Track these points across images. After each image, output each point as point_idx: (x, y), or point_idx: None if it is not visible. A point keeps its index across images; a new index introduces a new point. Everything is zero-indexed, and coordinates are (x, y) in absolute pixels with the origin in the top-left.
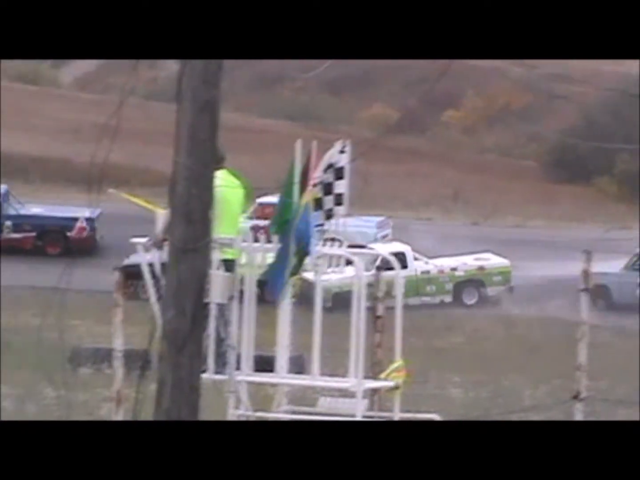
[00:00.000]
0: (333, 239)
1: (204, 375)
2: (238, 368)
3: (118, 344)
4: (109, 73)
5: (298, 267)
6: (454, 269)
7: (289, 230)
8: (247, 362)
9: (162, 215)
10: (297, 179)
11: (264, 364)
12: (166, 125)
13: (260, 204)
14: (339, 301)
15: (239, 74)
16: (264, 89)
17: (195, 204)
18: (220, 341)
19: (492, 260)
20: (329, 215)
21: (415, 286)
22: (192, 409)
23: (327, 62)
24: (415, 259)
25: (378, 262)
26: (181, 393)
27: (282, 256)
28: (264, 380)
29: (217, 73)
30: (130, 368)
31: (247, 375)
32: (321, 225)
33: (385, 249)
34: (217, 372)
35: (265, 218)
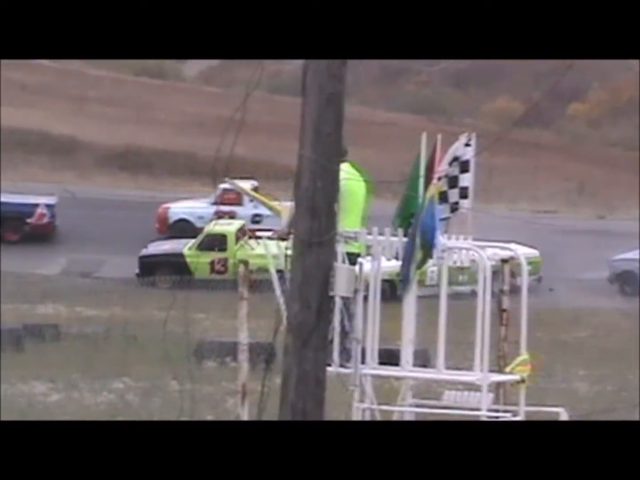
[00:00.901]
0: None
1: (329, 369)
2: (363, 361)
3: (243, 337)
4: (233, 67)
5: (424, 261)
6: None
7: (413, 223)
8: (372, 356)
9: (287, 208)
10: (422, 172)
11: (389, 358)
12: (291, 119)
13: (224, 190)
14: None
15: (363, 67)
16: (388, 82)
17: (320, 197)
18: (345, 334)
19: (522, 250)
20: (454, 209)
21: (448, 276)
22: (317, 402)
23: None
24: None
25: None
26: (306, 386)
27: (407, 250)
28: (389, 373)
29: (342, 67)
30: (255, 361)
31: (372, 368)
32: (446, 218)
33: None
34: (341, 366)
35: (227, 204)
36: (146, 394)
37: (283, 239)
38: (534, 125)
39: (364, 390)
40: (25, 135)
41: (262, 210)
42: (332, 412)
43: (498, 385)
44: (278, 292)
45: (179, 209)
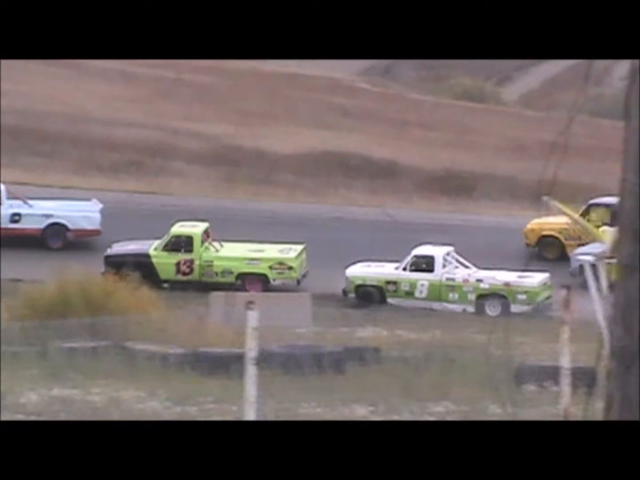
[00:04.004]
0: None
1: None
2: None
3: (565, 361)
4: (554, 90)
5: None
6: (479, 281)
7: None
8: None
9: (610, 232)
10: None
11: None
12: (612, 142)
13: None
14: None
15: None
16: None
17: None
18: None
19: (520, 279)
20: None
21: (438, 291)
22: None
23: None
24: (460, 264)
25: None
26: (629, 411)
27: None
28: None
29: None
30: (576, 386)
31: None
32: None
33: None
34: None
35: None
36: (466, 418)
37: (604, 262)
38: None
39: None
40: (347, 159)
41: (21, 210)
42: None
43: None
44: (600, 316)
45: None
